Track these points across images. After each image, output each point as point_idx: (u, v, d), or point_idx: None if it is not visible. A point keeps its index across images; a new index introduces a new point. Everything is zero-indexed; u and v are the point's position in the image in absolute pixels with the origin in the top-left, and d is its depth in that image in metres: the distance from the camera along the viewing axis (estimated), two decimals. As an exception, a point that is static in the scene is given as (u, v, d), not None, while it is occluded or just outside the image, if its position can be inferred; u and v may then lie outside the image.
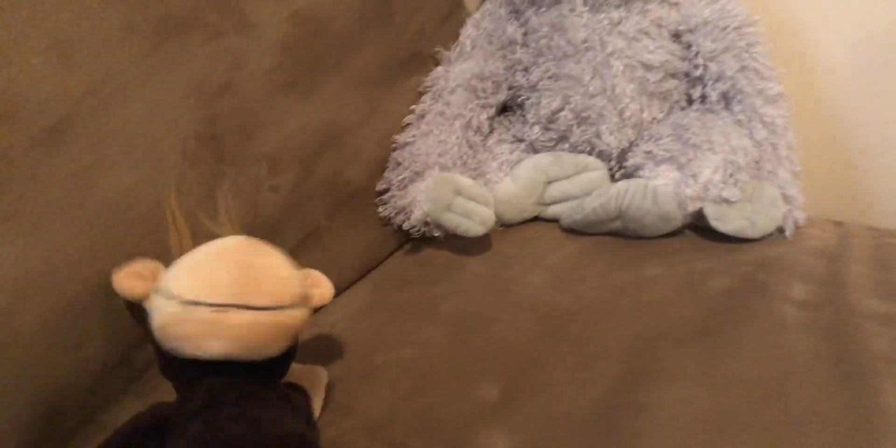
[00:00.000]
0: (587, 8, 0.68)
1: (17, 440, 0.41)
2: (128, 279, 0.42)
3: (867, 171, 0.79)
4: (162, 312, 0.40)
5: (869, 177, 0.79)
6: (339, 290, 0.63)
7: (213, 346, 0.39)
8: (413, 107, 0.72)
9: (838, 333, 0.53)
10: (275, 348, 0.42)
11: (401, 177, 0.67)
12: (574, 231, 0.69)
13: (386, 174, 0.69)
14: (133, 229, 0.46)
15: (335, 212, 0.65)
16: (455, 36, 0.77)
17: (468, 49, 0.74)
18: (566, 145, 0.72)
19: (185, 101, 0.51)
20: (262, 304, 0.40)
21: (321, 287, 0.47)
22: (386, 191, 0.68)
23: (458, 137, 0.70)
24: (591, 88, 0.68)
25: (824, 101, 0.78)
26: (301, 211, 0.60)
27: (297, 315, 0.42)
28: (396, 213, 0.67)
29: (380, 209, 0.68)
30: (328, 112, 0.63)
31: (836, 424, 0.44)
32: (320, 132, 0.63)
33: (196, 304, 0.39)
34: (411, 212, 0.66)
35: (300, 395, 0.45)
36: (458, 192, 0.64)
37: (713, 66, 0.68)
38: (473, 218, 0.64)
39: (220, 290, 0.39)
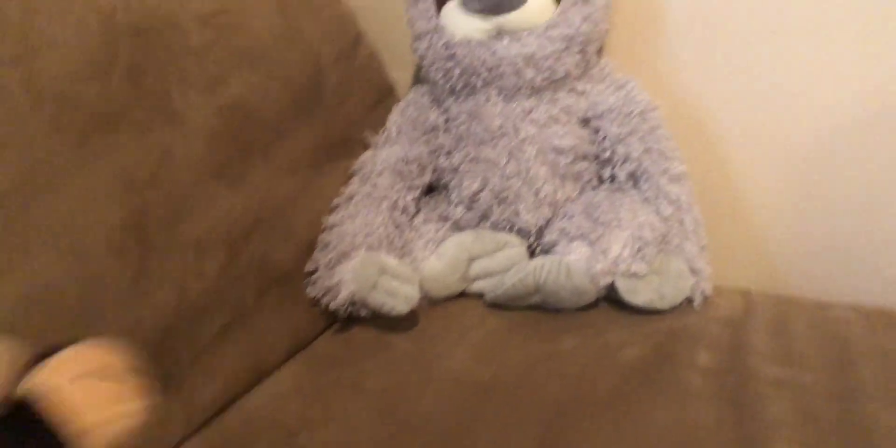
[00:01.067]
0: (501, 98, 0.73)
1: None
2: None
3: (771, 242, 0.85)
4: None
5: (773, 247, 0.85)
6: (268, 372, 0.65)
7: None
8: (342, 189, 0.75)
9: (739, 399, 0.57)
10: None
11: (328, 257, 0.70)
12: (498, 305, 0.72)
13: (314, 255, 0.71)
14: (55, 324, 0.48)
15: (263, 294, 0.66)
16: (383, 121, 0.82)
17: (394, 135, 0.79)
18: (488, 224, 0.76)
19: (112, 193, 0.53)
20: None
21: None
22: (314, 271, 0.71)
23: (384, 218, 0.73)
24: (507, 171, 0.73)
25: (728, 178, 0.83)
26: (228, 294, 0.62)
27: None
28: (324, 294, 0.69)
29: (308, 290, 0.70)
30: (257, 197, 0.66)
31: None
32: (249, 216, 0.65)
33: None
34: (338, 292, 0.68)
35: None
36: (383, 271, 0.67)
37: (620, 149, 0.74)
38: (398, 296, 0.66)
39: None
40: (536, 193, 0.73)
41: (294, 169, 0.71)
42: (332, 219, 0.73)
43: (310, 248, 0.72)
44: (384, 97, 0.86)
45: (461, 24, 0.72)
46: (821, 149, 0.79)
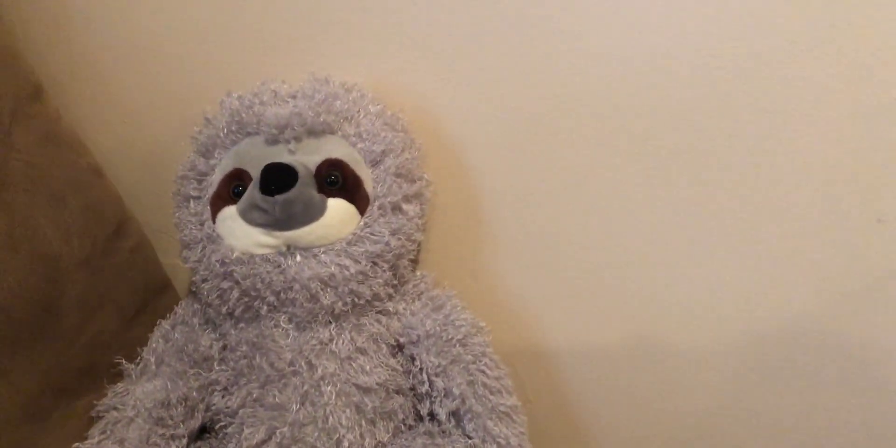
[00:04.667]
0: (292, 326, 0.59)
1: None
2: None
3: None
4: None
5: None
6: None
7: None
8: (76, 445, 0.56)
9: None
10: None
11: None
12: None
13: None
14: None
15: None
16: (147, 335, 0.64)
17: (154, 367, 0.61)
18: (275, 482, 0.59)
19: None
20: None
21: None
22: None
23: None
24: (300, 417, 0.57)
25: (565, 405, 0.74)
26: None
27: None
28: None
29: None
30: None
31: None
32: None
33: None
34: None
35: None
36: None
37: (439, 382, 0.60)
38: None
39: None
40: (338, 444, 0.57)
41: (5, 424, 0.51)
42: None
43: None
44: (153, 299, 0.69)
45: (241, 235, 0.58)
46: (647, 365, 0.71)
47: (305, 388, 0.57)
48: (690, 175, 0.65)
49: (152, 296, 0.70)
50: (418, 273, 0.66)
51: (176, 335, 0.62)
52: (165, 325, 0.64)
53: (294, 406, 0.57)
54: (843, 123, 0.61)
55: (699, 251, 0.67)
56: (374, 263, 0.59)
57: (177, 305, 0.66)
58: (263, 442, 0.58)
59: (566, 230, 0.70)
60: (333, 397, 0.57)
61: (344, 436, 0.58)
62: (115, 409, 0.59)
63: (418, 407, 0.63)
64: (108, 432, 0.57)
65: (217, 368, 0.61)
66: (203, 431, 0.63)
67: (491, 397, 0.61)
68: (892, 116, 0.60)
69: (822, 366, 0.68)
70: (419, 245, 0.65)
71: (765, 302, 0.67)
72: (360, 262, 0.58)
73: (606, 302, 0.71)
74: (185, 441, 0.60)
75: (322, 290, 0.57)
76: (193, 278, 0.61)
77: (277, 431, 0.57)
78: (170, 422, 0.58)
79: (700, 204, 0.66)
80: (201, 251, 0.59)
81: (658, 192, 0.67)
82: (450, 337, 0.61)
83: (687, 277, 0.69)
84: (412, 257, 0.64)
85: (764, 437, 0.71)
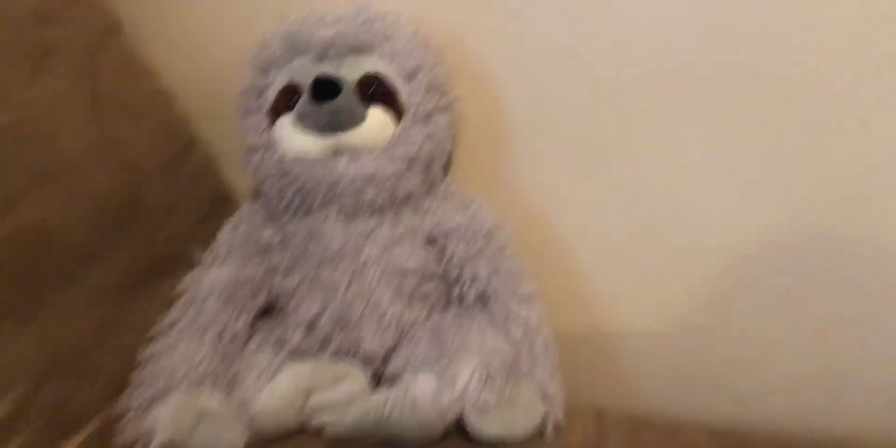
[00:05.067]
0: (341, 218, 0.68)
1: None
2: None
3: (624, 359, 0.84)
4: None
5: (626, 365, 0.84)
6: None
7: None
8: (162, 316, 0.67)
9: None
10: None
11: (143, 398, 0.61)
12: (339, 442, 0.66)
13: (125, 396, 0.62)
14: None
15: (64, 442, 0.57)
16: (215, 236, 0.75)
17: (224, 254, 0.72)
18: (329, 350, 0.69)
19: None
20: None
21: None
22: (125, 414, 0.61)
23: (209, 350, 0.65)
24: (349, 294, 0.67)
25: (581, 296, 0.83)
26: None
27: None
28: (135, 442, 0.60)
29: (116, 438, 0.61)
30: (53, 334, 0.58)
31: None
32: (42, 358, 0.56)
33: None
34: (152, 439, 0.59)
35: None
36: (203, 416, 0.59)
37: (468, 270, 0.70)
38: (222, 443, 0.59)
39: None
40: (381, 317, 0.68)
41: (103, 298, 0.63)
42: (148, 352, 0.65)
43: (121, 386, 0.63)
44: (218, 208, 0.79)
45: (296, 140, 0.67)
46: (673, 265, 0.79)
47: (353, 269, 0.68)
48: (707, 88, 0.72)
49: (218, 205, 0.81)
50: (449, 177, 0.75)
51: (241, 229, 0.73)
52: (233, 220, 0.75)
53: (343, 285, 0.68)
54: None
55: (717, 160, 0.75)
56: (409, 165, 0.68)
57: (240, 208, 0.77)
58: (318, 316, 0.68)
59: (588, 142, 0.78)
60: (376, 278, 0.68)
61: (386, 311, 0.68)
62: (192, 290, 0.70)
63: (449, 293, 0.73)
64: (188, 305, 0.68)
65: (278, 255, 0.71)
66: (266, 312, 0.74)
67: (513, 282, 0.70)
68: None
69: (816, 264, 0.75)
70: (450, 154, 0.74)
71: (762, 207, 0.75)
72: (396, 163, 0.67)
73: (625, 208, 0.79)
74: (251, 316, 0.71)
75: (365, 186, 0.67)
76: (255, 179, 0.71)
77: (329, 307, 0.68)
78: (238, 299, 0.69)
79: (719, 114, 0.73)
80: (262, 155, 0.69)
81: (676, 103, 0.74)
82: (476, 230, 0.71)
83: (702, 183, 0.76)
84: (443, 164, 0.73)
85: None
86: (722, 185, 0.76)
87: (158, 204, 0.71)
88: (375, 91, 0.68)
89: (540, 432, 0.67)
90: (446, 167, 0.75)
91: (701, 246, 0.78)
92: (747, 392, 0.80)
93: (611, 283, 0.82)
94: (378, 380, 0.70)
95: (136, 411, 0.61)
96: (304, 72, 0.69)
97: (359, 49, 0.69)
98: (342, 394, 0.66)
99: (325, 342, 0.70)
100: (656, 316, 0.81)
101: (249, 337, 0.71)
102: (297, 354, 0.70)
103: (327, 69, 0.68)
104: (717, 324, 0.80)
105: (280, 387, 0.66)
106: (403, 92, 0.70)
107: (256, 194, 0.74)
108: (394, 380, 0.68)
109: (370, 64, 0.69)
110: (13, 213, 0.56)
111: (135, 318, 0.66)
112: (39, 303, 0.57)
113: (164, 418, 0.59)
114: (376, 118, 0.68)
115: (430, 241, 0.72)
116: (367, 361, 0.70)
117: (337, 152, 0.67)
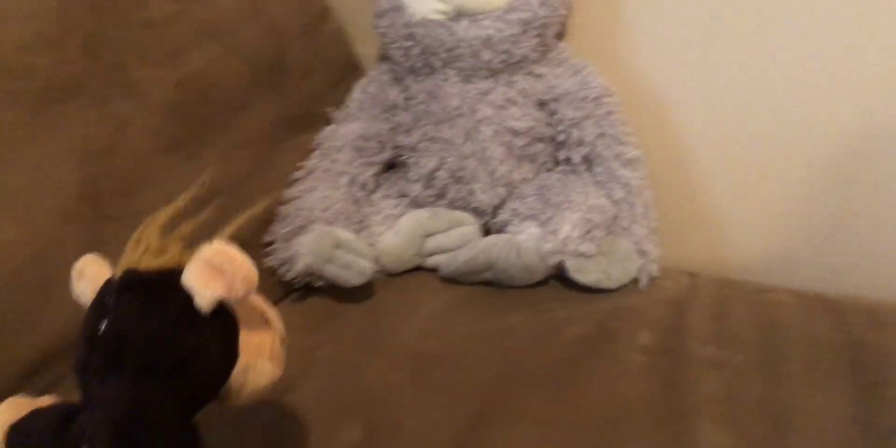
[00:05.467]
0: (459, 79, 0.74)
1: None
2: None
3: (720, 225, 0.87)
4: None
5: (722, 231, 0.87)
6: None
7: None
8: (302, 163, 0.77)
9: (672, 378, 0.60)
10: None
11: (286, 230, 0.72)
12: (451, 280, 0.74)
13: (272, 227, 0.73)
14: (5, 286, 0.49)
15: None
16: (346, 97, 0.83)
17: (355, 111, 0.80)
18: (444, 201, 0.77)
19: (67, 163, 0.54)
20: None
21: None
22: (271, 243, 0.72)
23: (343, 193, 0.74)
24: (464, 151, 0.74)
25: (683, 164, 0.86)
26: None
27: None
28: (280, 265, 0.71)
29: (265, 260, 0.71)
30: (213, 170, 0.67)
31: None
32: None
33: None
34: (294, 263, 0.70)
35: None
36: (339, 245, 0.68)
37: (575, 133, 0.75)
38: (352, 270, 0.68)
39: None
40: (492, 173, 0.75)
41: (252, 143, 0.72)
42: (290, 192, 0.74)
43: (267, 219, 0.73)
44: (348, 73, 0.86)
45: (421, 4, 0.73)
46: (771, 136, 0.81)
47: (468, 127, 0.74)
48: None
49: (349, 71, 0.88)
50: (561, 44, 0.79)
51: (371, 88, 0.81)
52: (362, 82, 0.82)
53: (459, 141, 0.74)
54: None
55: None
56: (525, 30, 0.72)
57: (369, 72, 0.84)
58: (436, 169, 0.76)
59: (699, 20, 0.79)
60: (490, 136, 0.74)
61: (496, 167, 0.75)
62: (327, 141, 0.78)
63: (556, 155, 0.78)
64: (324, 156, 0.77)
65: (402, 114, 0.78)
66: (390, 167, 0.82)
67: (617, 147, 0.75)
68: None
69: None
70: (564, 21, 0.77)
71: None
72: (513, 27, 0.72)
73: (740, 88, 0.81)
74: (378, 168, 0.80)
75: (482, 48, 0.72)
76: (383, 42, 0.77)
77: (446, 161, 0.75)
78: (367, 152, 0.78)
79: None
80: (390, 18, 0.75)
81: None
82: (585, 95, 0.75)
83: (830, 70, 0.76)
84: (557, 30, 0.77)
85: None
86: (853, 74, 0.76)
87: (298, 66, 0.79)
88: (497, -43, 0.72)
89: (635, 282, 0.73)
90: (560, 34, 0.79)
91: (811, 133, 0.79)
92: (842, 265, 0.82)
93: (715, 155, 0.84)
94: (487, 232, 0.78)
95: (281, 241, 0.72)
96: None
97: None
98: (456, 237, 0.75)
99: (441, 195, 0.78)
100: (757, 188, 0.83)
101: (376, 188, 0.80)
102: (417, 205, 0.79)
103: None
104: (815, 191, 0.82)
105: (402, 229, 0.75)
106: (523, -43, 0.73)
107: (384, 58, 0.81)
108: (501, 230, 0.75)
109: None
110: (182, 63, 0.65)
111: (278, 164, 0.75)
112: (202, 142, 0.66)
113: (306, 246, 0.69)
114: (496, -17, 0.72)
115: (541, 104, 0.77)
116: (478, 214, 0.77)
117: (458, 15, 0.72)
